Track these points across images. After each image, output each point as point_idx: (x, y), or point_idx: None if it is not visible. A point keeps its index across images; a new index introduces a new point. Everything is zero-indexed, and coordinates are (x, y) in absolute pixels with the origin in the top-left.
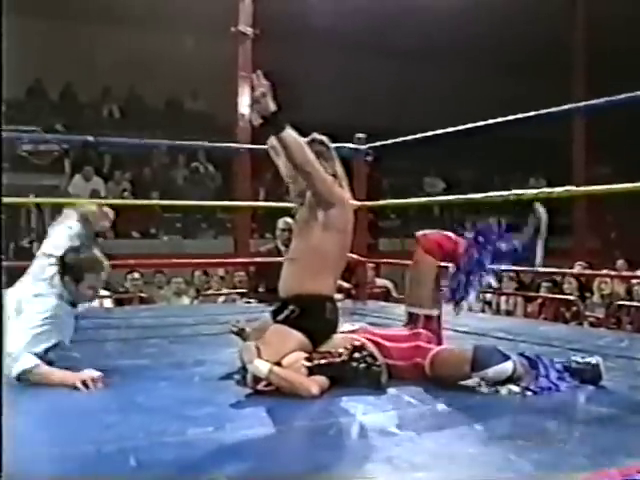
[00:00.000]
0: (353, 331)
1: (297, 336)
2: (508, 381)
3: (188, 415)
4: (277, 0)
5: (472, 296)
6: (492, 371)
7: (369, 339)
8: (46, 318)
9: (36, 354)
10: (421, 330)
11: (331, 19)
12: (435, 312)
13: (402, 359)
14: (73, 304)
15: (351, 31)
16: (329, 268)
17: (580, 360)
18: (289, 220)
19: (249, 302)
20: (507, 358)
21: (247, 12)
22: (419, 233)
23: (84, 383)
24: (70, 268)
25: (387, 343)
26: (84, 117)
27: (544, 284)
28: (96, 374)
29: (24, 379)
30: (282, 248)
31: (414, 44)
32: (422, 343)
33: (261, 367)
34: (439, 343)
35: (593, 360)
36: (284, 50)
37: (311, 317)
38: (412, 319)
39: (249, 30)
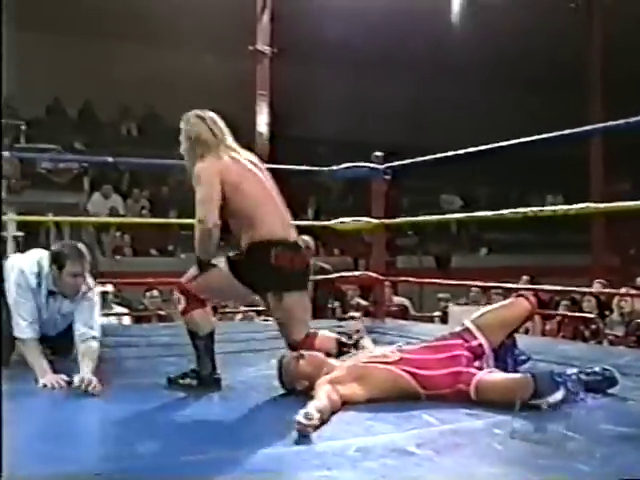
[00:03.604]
0: (389, 362)
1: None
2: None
3: (208, 434)
4: (294, 19)
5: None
6: (552, 399)
7: (405, 370)
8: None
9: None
10: (460, 352)
11: (348, 37)
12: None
13: (443, 387)
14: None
15: (368, 48)
16: (258, 214)
17: (590, 371)
18: (306, 238)
19: (267, 320)
20: (559, 385)
21: (265, 31)
22: None
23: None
24: (54, 257)
25: (425, 372)
26: (103, 135)
27: (563, 302)
28: (62, 382)
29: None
30: None
31: (431, 62)
32: (462, 368)
33: None
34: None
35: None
36: (301, 68)
37: (255, 263)
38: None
39: (267, 49)
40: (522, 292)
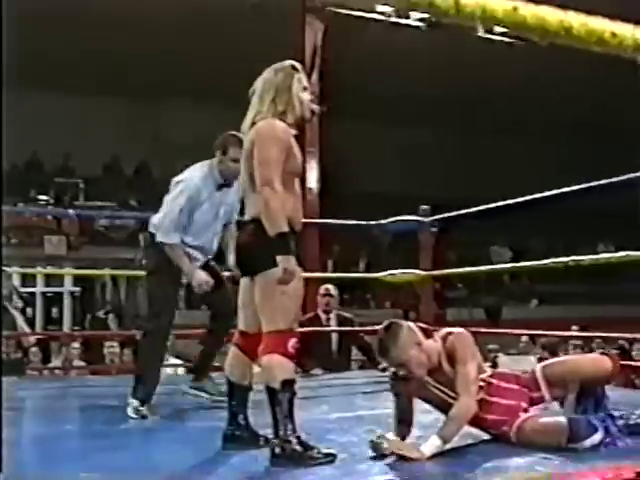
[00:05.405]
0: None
1: None
2: None
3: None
4: (341, 77)
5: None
6: (588, 442)
7: (477, 415)
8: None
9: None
10: (521, 402)
11: (392, 93)
12: None
13: (492, 428)
14: (222, 185)
15: (415, 103)
16: None
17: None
18: (329, 286)
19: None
20: (596, 429)
21: (314, 90)
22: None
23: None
24: (218, 144)
25: (485, 415)
26: (157, 193)
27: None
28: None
29: (168, 250)
30: (322, 315)
31: (477, 114)
32: (513, 417)
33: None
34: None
35: None
36: (349, 125)
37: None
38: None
39: (316, 107)
40: (608, 352)
